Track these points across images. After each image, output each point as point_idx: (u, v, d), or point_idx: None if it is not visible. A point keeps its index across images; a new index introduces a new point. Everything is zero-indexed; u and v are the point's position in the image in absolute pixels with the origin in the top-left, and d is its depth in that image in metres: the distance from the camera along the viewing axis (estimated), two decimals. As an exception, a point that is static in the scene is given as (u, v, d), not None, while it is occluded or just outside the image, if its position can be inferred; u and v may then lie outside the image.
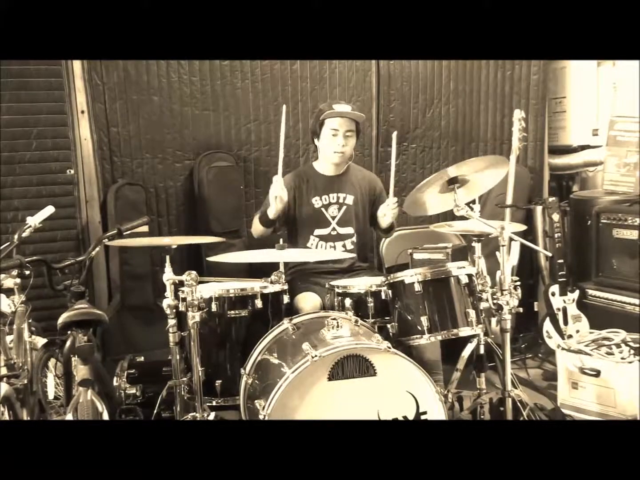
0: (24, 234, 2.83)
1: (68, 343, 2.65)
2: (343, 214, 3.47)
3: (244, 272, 3.84)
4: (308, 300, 3.18)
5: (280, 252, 2.81)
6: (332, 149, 3.37)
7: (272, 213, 3.23)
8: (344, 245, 3.45)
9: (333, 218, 3.45)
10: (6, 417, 2.37)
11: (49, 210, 2.98)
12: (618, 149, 4.25)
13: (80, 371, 2.43)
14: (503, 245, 2.76)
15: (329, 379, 2.40)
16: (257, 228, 3.42)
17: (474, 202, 3.10)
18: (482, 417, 2.96)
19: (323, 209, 3.46)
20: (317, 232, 3.44)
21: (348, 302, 2.98)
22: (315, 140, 3.46)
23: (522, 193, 4.44)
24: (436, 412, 2.48)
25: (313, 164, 3.57)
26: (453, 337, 2.88)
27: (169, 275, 2.65)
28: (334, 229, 3.45)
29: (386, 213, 3.35)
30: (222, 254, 2.93)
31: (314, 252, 3.37)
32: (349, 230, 3.47)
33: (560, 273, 4.00)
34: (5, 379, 2.52)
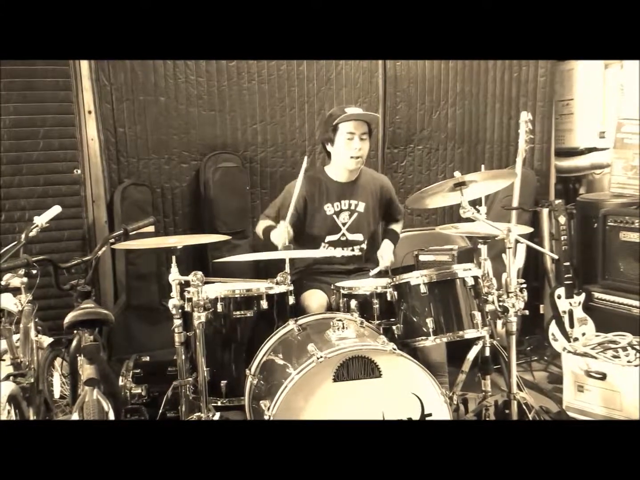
0: (30, 234, 2.84)
1: (74, 342, 2.66)
2: (354, 220, 3.46)
3: (250, 272, 3.85)
4: (315, 298, 3.18)
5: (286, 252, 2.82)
6: (349, 153, 3.33)
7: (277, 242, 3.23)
8: (352, 251, 3.45)
9: (343, 225, 3.45)
10: (12, 415, 2.38)
11: (56, 210, 2.99)
12: (625, 151, 4.24)
13: (86, 370, 2.43)
14: (509, 248, 2.76)
15: (334, 380, 2.40)
16: (258, 232, 3.47)
17: (480, 204, 3.10)
18: (487, 419, 2.96)
19: (334, 216, 3.44)
20: (329, 238, 3.43)
21: (353, 303, 2.98)
22: (329, 147, 3.42)
23: (529, 195, 4.45)
24: (441, 414, 2.48)
25: (325, 168, 3.52)
26: (458, 339, 2.87)
27: (174, 276, 2.65)
28: (343, 234, 3.45)
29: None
30: (227, 255, 2.94)
31: (320, 251, 3.38)
32: (359, 237, 3.47)
33: (566, 276, 3.99)
34: (11, 377, 2.54)
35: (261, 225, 3.42)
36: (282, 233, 3.14)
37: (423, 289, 2.87)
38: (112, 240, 3.06)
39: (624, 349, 3.36)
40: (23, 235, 2.81)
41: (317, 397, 2.38)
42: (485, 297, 2.87)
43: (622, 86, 4.58)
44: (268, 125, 4.13)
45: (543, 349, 4.25)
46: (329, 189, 3.45)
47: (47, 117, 3.59)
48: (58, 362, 3.03)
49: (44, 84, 3.57)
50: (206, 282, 2.61)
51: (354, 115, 3.31)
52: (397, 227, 3.70)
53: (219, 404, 2.88)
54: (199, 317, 2.56)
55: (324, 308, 3.15)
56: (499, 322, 2.98)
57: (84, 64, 3.68)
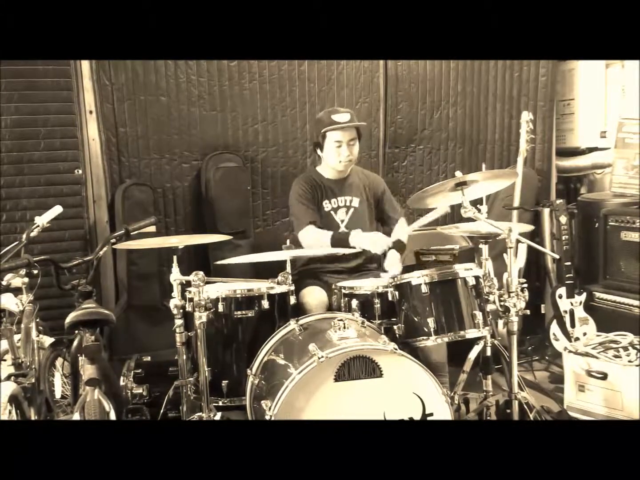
0: (32, 234, 2.84)
1: (75, 342, 2.66)
2: (351, 216, 3.47)
3: (251, 272, 3.85)
4: (313, 294, 3.18)
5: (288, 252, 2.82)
6: (338, 159, 3.38)
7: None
8: (352, 247, 3.45)
9: (342, 221, 3.46)
10: (14, 415, 2.38)
11: (57, 210, 2.99)
12: (626, 151, 4.23)
13: (88, 370, 2.44)
14: (510, 247, 2.76)
15: (335, 380, 2.40)
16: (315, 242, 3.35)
17: (481, 203, 3.10)
18: (488, 419, 2.96)
19: (332, 212, 3.47)
20: None
21: (354, 303, 2.98)
22: (318, 151, 3.46)
23: (530, 195, 4.44)
24: (442, 413, 2.48)
25: (317, 168, 3.57)
26: (460, 338, 2.87)
27: (176, 276, 2.66)
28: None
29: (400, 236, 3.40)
30: (229, 256, 2.94)
31: (321, 249, 3.37)
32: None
33: (567, 275, 3.99)
34: (13, 377, 2.54)
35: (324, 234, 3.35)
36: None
37: (424, 288, 2.87)
38: (113, 240, 3.07)
39: (625, 348, 3.36)
40: (24, 235, 2.82)
41: (318, 397, 2.38)
42: (486, 297, 2.87)
43: (623, 86, 4.58)
44: (269, 125, 4.13)
45: (544, 349, 4.25)
46: (324, 186, 3.49)
47: (48, 117, 3.59)
48: (59, 362, 3.04)
49: (45, 84, 3.57)
50: (207, 282, 2.61)
51: (340, 126, 3.32)
52: (399, 234, 3.45)
53: (220, 403, 2.89)
54: (200, 317, 2.56)
55: (324, 304, 3.15)
56: (500, 322, 2.98)
57: (85, 64, 3.67)
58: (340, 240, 3.29)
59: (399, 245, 3.45)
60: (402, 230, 3.47)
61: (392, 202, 3.66)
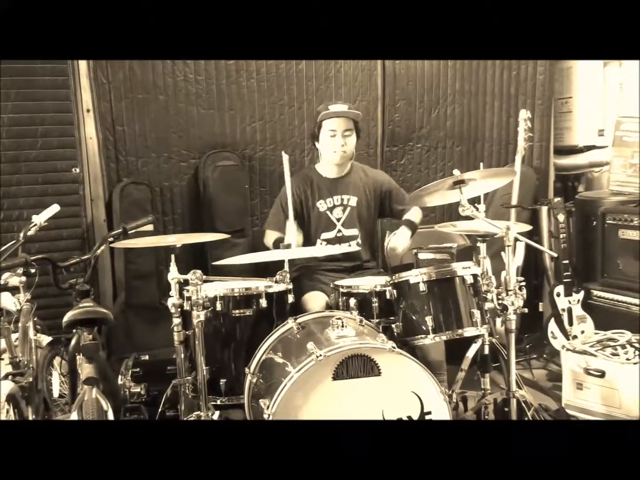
0: (29, 232, 2.84)
1: (73, 341, 2.66)
2: (347, 215, 3.46)
3: (249, 271, 3.84)
4: (316, 300, 3.18)
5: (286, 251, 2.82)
6: (332, 149, 3.37)
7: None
8: (349, 247, 3.45)
9: (338, 220, 3.45)
10: (11, 415, 2.38)
11: (55, 208, 2.98)
12: (624, 149, 4.23)
13: (85, 369, 2.44)
14: (508, 246, 2.76)
15: (334, 379, 2.39)
16: (268, 244, 3.44)
17: (479, 202, 3.09)
18: (486, 417, 2.97)
19: (328, 212, 3.46)
20: (324, 235, 3.45)
21: (352, 301, 2.97)
22: (316, 143, 3.47)
23: (528, 193, 4.44)
24: (441, 412, 2.47)
25: (315, 166, 3.57)
26: (458, 337, 2.87)
27: (174, 274, 2.65)
28: (339, 231, 3.45)
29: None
30: (227, 256, 2.94)
31: (320, 248, 3.37)
32: (354, 231, 3.47)
33: (565, 274, 4.00)
34: (10, 376, 2.53)
35: (270, 237, 3.43)
36: (293, 234, 3.09)
37: (422, 287, 2.86)
38: (111, 239, 3.06)
39: (623, 346, 3.36)
40: (22, 234, 2.81)
41: (316, 396, 2.38)
42: (484, 295, 2.88)
43: (621, 84, 4.58)
44: (267, 124, 4.12)
45: (542, 347, 4.25)
46: (320, 186, 3.48)
47: (45, 115, 3.59)
48: (57, 361, 3.04)
49: (42, 82, 3.56)
50: (205, 281, 2.61)
51: (333, 112, 3.33)
52: (411, 216, 3.49)
53: (219, 402, 2.88)
54: (198, 316, 2.55)
55: (325, 309, 3.15)
56: (498, 320, 2.98)
57: (83, 63, 3.66)
58: (276, 243, 3.23)
59: (409, 224, 3.44)
60: (415, 212, 3.49)
61: (398, 196, 3.57)
